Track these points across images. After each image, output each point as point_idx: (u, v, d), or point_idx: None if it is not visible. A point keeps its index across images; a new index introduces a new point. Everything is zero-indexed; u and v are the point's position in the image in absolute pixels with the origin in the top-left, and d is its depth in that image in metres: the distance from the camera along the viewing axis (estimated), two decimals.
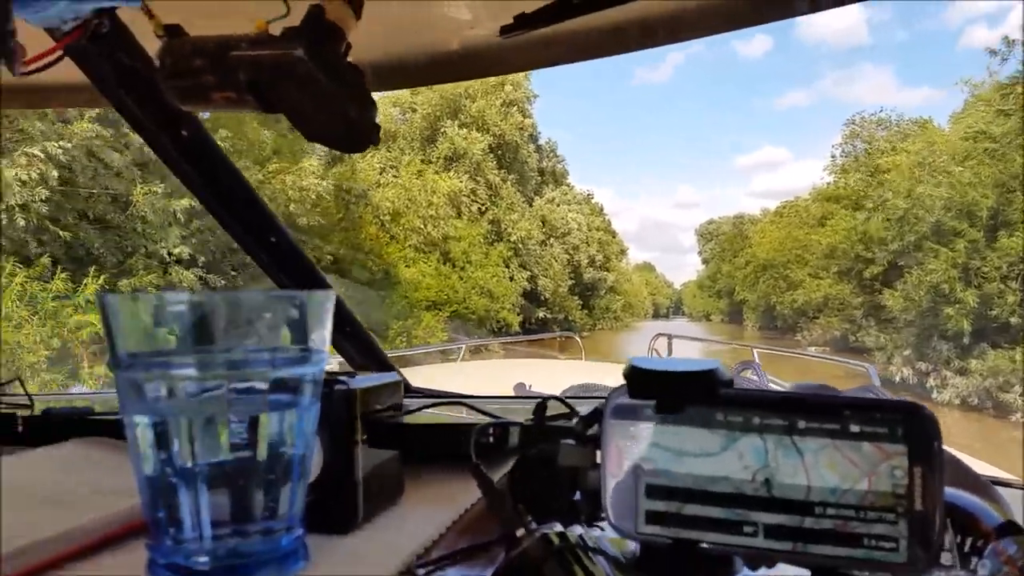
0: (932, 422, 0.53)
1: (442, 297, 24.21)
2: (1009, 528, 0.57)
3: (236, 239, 1.09)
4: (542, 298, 35.14)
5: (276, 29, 0.71)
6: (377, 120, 0.80)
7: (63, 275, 10.04)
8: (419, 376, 2.04)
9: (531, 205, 37.66)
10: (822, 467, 0.54)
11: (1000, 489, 0.93)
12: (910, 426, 0.53)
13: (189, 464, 0.49)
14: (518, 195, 33.84)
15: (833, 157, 40.57)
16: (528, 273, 32.87)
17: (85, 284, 9.99)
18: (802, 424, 0.54)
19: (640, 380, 0.57)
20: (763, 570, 0.57)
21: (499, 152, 32.47)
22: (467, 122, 30.22)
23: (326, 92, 0.73)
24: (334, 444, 0.59)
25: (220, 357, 0.50)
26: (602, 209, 57.36)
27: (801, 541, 0.53)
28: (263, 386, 0.51)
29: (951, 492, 0.58)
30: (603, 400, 0.60)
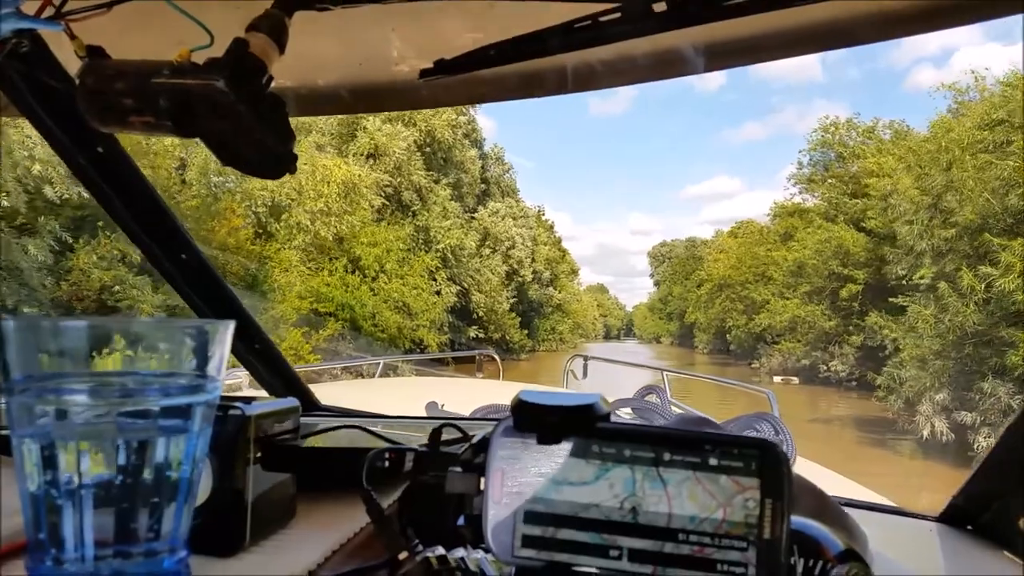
0: (783, 459, 0.58)
1: (342, 311, 20.42)
2: (848, 555, 0.62)
3: (147, 255, 1.09)
4: (475, 315, 31.87)
5: (199, 58, 0.73)
6: (295, 150, 0.82)
7: None
8: (331, 392, 2.04)
9: (474, 215, 34.72)
10: (684, 497, 0.58)
11: (867, 512, 1.00)
12: (764, 461, 0.58)
13: (74, 485, 0.50)
14: (452, 201, 30.48)
15: (800, 165, 36.02)
16: (458, 287, 29.27)
17: None
18: (667, 456, 0.59)
19: (524, 412, 0.61)
20: None
21: (428, 151, 29.33)
22: (392, 117, 26.37)
23: (245, 123, 0.75)
24: (224, 468, 0.61)
25: (114, 382, 0.51)
26: (552, 226, 55.08)
27: (661, 565, 0.58)
28: (155, 410, 0.53)
29: (799, 521, 0.64)
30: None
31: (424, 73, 0.82)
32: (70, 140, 0.96)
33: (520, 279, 38.88)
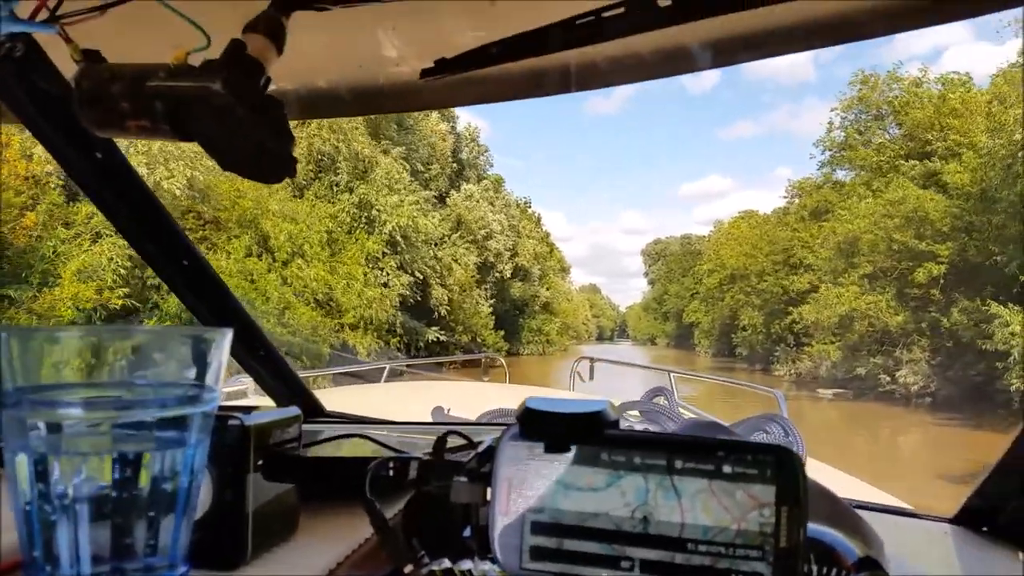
0: (799, 465, 0.56)
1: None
2: (866, 563, 0.61)
3: (147, 261, 1.08)
4: (436, 314, 26.61)
5: (196, 60, 0.72)
6: (294, 153, 0.81)
7: None
8: (337, 398, 2.03)
9: (445, 200, 30.33)
10: (698, 509, 0.56)
11: (880, 515, 0.98)
12: (779, 468, 0.56)
13: (68, 501, 0.49)
14: (403, 171, 24.90)
15: (829, 128, 30.07)
16: (412, 278, 23.87)
17: None
18: (680, 464, 0.57)
19: (530, 421, 0.60)
20: None
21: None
22: None
23: (243, 125, 0.74)
24: (223, 480, 0.59)
25: (109, 393, 0.50)
26: (539, 219, 52.10)
27: None
28: (151, 421, 0.51)
29: (815, 528, 0.62)
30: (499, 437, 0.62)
31: (425, 72, 0.80)
32: (68, 146, 0.95)
33: (499, 274, 34.41)
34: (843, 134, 29.32)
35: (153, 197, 1.05)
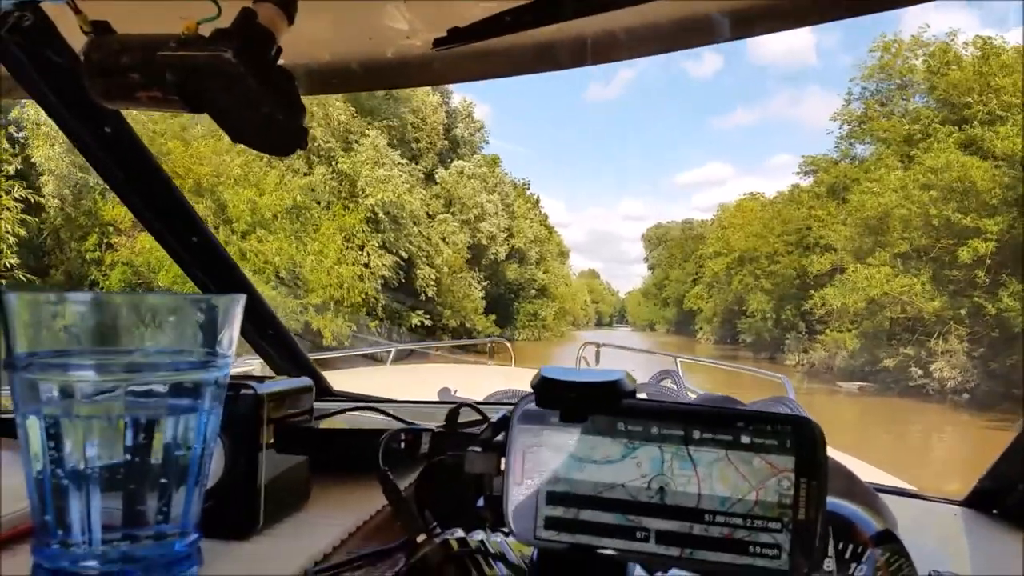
0: (819, 436, 0.55)
1: (183, 285, 11.24)
2: (884, 537, 0.60)
3: (155, 236, 1.08)
4: (422, 296, 24.08)
5: (206, 30, 0.71)
6: (305, 124, 0.80)
7: None
8: (343, 379, 2.03)
9: (434, 177, 28.22)
10: (714, 479, 0.56)
11: (892, 497, 0.98)
12: (799, 439, 0.55)
13: (81, 466, 0.48)
14: (384, 143, 22.82)
15: (848, 99, 27.65)
16: (395, 258, 21.73)
17: None
18: (697, 434, 0.56)
19: (546, 389, 0.59)
20: (657, 575, 0.59)
21: None
22: None
23: (254, 95, 0.73)
24: (237, 449, 0.59)
25: (121, 359, 0.49)
26: (538, 201, 49.61)
27: (690, 547, 0.55)
28: (163, 388, 0.51)
29: (833, 502, 0.62)
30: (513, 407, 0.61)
31: (438, 42, 0.79)
32: (76, 118, 0.94)
33: (493, 255, 32.16)
34: (863, 106, 27.18)
35: (162, 172, 1.05)
